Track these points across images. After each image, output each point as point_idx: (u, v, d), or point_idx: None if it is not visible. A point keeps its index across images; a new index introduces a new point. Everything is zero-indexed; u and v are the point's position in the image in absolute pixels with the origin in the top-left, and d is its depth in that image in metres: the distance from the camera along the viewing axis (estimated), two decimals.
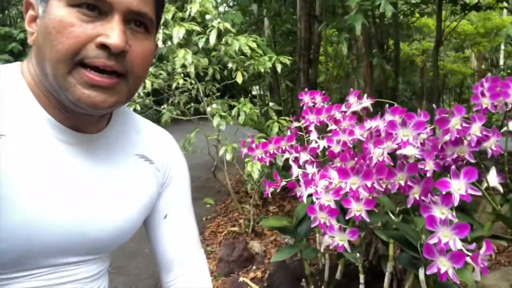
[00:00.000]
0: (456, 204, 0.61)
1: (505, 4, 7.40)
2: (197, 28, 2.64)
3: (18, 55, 10.31)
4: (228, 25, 2.62)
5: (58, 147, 0.57)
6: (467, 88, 11.56)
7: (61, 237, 0.55)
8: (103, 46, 0.50)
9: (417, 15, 7.88)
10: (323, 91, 1.69)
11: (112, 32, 0.50)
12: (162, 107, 3.25)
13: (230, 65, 2.79)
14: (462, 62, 11.93)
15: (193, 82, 2.96)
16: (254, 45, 2.63)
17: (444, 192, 0.64)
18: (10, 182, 0.51)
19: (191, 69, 2.66)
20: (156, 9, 0.57)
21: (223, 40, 2.66)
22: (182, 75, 2.93)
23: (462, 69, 11.36)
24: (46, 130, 0.56)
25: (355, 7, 3.49)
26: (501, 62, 12.98)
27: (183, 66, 2.63)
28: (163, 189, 0.73)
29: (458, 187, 0.63)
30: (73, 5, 0.50)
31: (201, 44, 2.63)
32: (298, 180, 1.10)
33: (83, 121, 0.59)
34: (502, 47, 12.36)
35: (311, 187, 0.88)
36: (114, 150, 0.64)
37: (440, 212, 0.62)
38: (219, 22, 2.57)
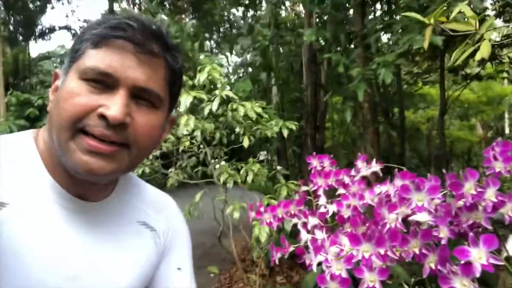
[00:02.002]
0: (478, 275, 0.57)
1: (505, 74, 7.66)
2: (204, 96, 2.75)
3: (34, 120, 10.71)
4: (231, 93, 2.75)
5: (61, 214, 0.57)
6: (474, 155, 11.54)
7: None
8: (103, 117, 0.52)
9: (420, 84, 8.15)
10: (331, 155, 1.69)
11: (114, 104, 0.52)
12: (170, 170, 3.27)
13: (237, 130, 2.86)
14: (468, 130, 12.06)
15: (200, 146, 3.02)
16: (260, 110, 2.72)
17: (463, 262, 0.60)
18: (12, 250, 0.52)
19: (197, 133, 2.74)
20: (167, 85, 0.59)
21: (229, 106, 2.77)
22: (189, 138, 2.99)
23: (468, 136, 11.46)
24: (50, 197, 0.57)
25: (357, 75, 3.64)
26: (507, 130, 13.08)
27: (192, 130, 2.71)
28: (164, 256, 0.71)
29: (479, 255, 0.59)
30: (84, 79, 0.53)
31: (206, 111, 2.74)
32: (307, 247, 1.05)
33: (88, 189, 0.60)
34: (506, 115, 12.56)
35: (321, 254, 0.84)
36: (116, 218, 0.64)
37: (461, 283, 0.58)
38: (222, 90, 2.70)
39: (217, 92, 2.70)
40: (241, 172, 2.68)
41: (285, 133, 2.83)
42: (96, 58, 0.53)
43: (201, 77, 2.69)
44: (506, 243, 0.82)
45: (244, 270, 3.70)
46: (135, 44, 0.54)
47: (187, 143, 2.94)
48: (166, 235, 0.71)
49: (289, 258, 1.16)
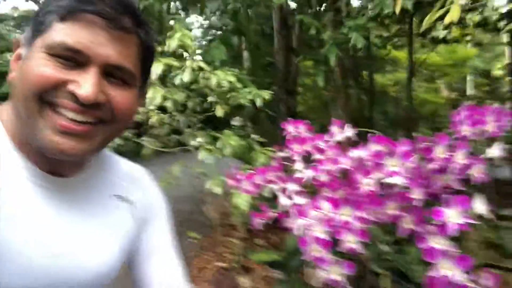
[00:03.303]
0: (454, 234, 0.62)
1: (468, 38, 7.87)
2: (176, 64, 2.67)
3: None
4: (202, 64, 2.68)
5: (36, 192, 0.56)
6: (440, 117, 11.99)
7: (39, 282, 0.54)
8: (74, 96, 0.50)
9: (390, 48, 8.25)
10: (306, 121, 1.71)
11: (85, 83, 0.50)
12: (142, 139, 3.21)
13: (210, 98, 2.82)
14: (434, 92, 12.44)
15: (174, 114, 2.96)
16: (233, 79, 2.68)
17: (438, 222, 0.64)
18: None
19: (168, 104, 2.68)
20: (139, 62, 0.57)
21: (201, 75, 2.71)
22: (157, 112, 2.93)
23: (434, 98, 11.83)
24: (22, 175, 0.55)
25: (328, 40, 3.63)
26: (469, 92, 13.59)
27: (164, 99, 2.64)
28: (143, 227, 0.72)
29: (454, 216, 0.63)
30: (51, 54, 0.51)
31: (176, 82, 2.67)
32: (286, 212, 1.09)
33: (60, 165, 0.58)
34: (468, 77, 13.02)
35: (302, 219, 0.87)
36: (93, 193, 0.64)
37: (437, 242, 0.62)
38: (193, 59, 2.63)
39: (187, 63, 2.63)
40: (217, 145, 2.66)
41: (258, 102, 2.82)
42: (64, 33, 0.50)
43: (172, 44, 2.60)
44: (474, 201, 0.87)
45: (224, 235, 3.78)
46: (106, 19, 0.51)
47: (156, 117, 2.88)
48: (143, 207, 0.71)
49: (268, 221, 1.19)
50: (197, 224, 4.42)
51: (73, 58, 0.51)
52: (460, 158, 0.79)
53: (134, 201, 0.70)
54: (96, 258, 0.61)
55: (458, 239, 0.99)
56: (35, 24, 0.54)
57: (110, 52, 0.52)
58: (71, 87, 0.50)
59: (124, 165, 0.74)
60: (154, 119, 2.82)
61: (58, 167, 0.58)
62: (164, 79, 2.81)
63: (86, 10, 0.51)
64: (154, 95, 2.55)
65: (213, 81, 2.59)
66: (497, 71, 12.33)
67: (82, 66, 0.51)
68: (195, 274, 3.22)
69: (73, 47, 0.50)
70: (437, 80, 12.46)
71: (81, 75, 0.50)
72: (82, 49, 0.50)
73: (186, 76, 2.59)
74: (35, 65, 0.50)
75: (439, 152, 0.80)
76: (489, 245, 0.93)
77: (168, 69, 2.67)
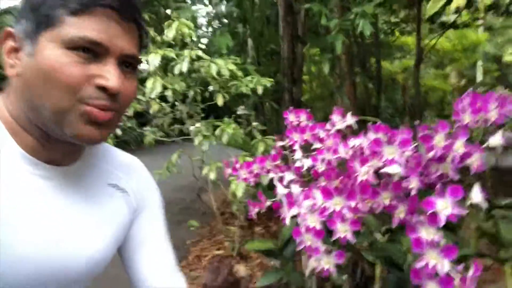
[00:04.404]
0: (442, 224, 0.60)
1: (480, 21, 7.69)
2: (172, 54, 2.65)
3: None
4: (200, 52, 2.67)
5: (33, 181, 0.57)
6: (447, 104, 11.84)
7: (35, 269, 0.55)
8: (101, 88, 0.54)
9: (397, 34, 8.12)
10: (308, 110, 1.69)
11: (110, 75, 0.54)
12: (145, 128, 3.23)
13: (211, 87, 2.82)
14: (442, 79, 12.25)
15: (176, 103, 2.96)
16: (233, 67, 2.66)
17: (430, 212, 0.63)
18: None
19: (169, 93, 2.69)
20: (140, 50, 0.62)
21: (201, 63, 2.69)
22: (158, 101, 2.93)
23: (442, 85, 11.66)
24: (18, 164, 0.56)
25: (335, 27, 3.57)
26: (479, 78, 13.37)
27: (164, 89, 2.65)
28: (136, 216, 0.73)
29: (444, 206, 0.62)
30: (70, 48, 0.53)
31: (175, 72, 2.66)
32: (282, 201, 1.08)
33: (60, 154, 0.60)
34: (479, 63, 12.75)
35: (294, 208, 0.86)
36: (88, 182, 0.65)
37: (426, 232, 0.61)
38: (192, 48, 2.62)
39: (186, 52, 2.61)
40: (216, 132, 2.67)
41: (260, 90, 2.80)
42: (82, 27, 0.53)
43: (169, 34, 2.59)
44: (471, 190, 0.85)
45: (224, 223, 3.80)
46: (118, 12, 0.54)
47: (156, 107, 2.89)
48: (137, 196, 0.73)
49: (268, 210, 1.18)
50: (197, 213, 4.46)
51: (92, 51, 0.54)
52: (459, 147, 0.77)
53: (128, 190, 0.71)
54: (91, 246, 0.62)
55: (453, 229, 0.98)
56: (37, 17, 0.54)
57: (124, 43, 0.56)
58: (99, 81, 0.54)
59: (117, 154, 0.75)
60: (155, 108, 2.83)
61: (56, 157, 0.59)
62: (165, 68, 2.80)
63: (101, 4, 0.53)
64: (154, 85, 2.55)
65: (213, 70, 2.58)
66: (509, 57, 12.08)
67: (99, 58, 0.54)
68: (193, 262, 3.25)
69: (95, 40, 0.53)
70: (447, 66, 12.26)
71: (102, 68, 0.54)
72: (103, 42, 0.53)
73: (184, 66, 2.59)
74: (58, 63, 0.52)
75: (439, 140, 0.78)
76: (485, 235, 0.91)
77: (168, 59, 2.66)
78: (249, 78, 2.83)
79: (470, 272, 0.55)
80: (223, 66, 2.59)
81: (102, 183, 0.67)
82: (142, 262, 0.72)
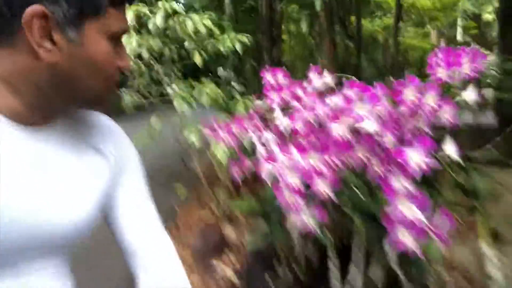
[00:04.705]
0: (416, 174, 0.62)
1: None
2: (145, 10, 2.53)
3: None
4: (175, 6, 2.56)
5: (13, 144, 0.55)
6: (427, 63, 11.91)
7: (17, 232, 0.54)
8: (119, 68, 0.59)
9: None
10: (288, 69, 1.67)
11: (126, 56, 0.60)
12: (121, 89, 3.12)
13: (186, 44, 2.71)
14: (422, 38, 12.24)
15: (151, 62, 2.86)
16: (209, 23, 2.56)
17: (399, 160, 0.64)
18: None
19: (143, 51, 2.58)
20: None
21: (176, 19, 2.57)
22: (133, 58, 2.82)
23: (422, 44, 11.66)
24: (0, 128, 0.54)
25: None
26: (459, 37, 13.40)
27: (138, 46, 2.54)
28: (117, 180, 0.72)
29: (415, 156, 0.63)
30: (110, 38, 0.56)
31: (150, 26, 2.55)
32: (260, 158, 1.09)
33: (43, 116, 0.59)
34: (459, 22, 12.75)
35: (269, 163, 0.87)
36: (68, 144, 0.63)
37: (400, 183, 0.63)
38: (166, 2, 2.50)
39: (160, 3, 2.49)
40: (194, 93, 2.60)
41: (238, 47, 2.72)
42: (119, 19, 0.57)
43: None
44: (444, 144, 0.88)
45: (210, 186, 3.82)
46: (129, 1, 0.59)
47: (132, 64, 2.78)
48: (116, 159, 0.71)
49: (254, 174, 1.19)
50: (183, 178, 4.45)
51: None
52: (430, 100, 0.78)
53: (108, 154, 0.70)
54: (76, 209, 0.61)
55: (430, 182, 1.01)
56: (82, 3, 0.52)
57: (127, 25, 0.60)
58: (122, 64, 0.59)
59: (96, 118, 0.73)
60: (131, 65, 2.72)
61: (36, 119, 0.58)
62: (140, 27, 2.68)
63: None
64: (129, 40, 2.45)
65: (189, 25, 2.48)
66: (487, 15, 12.10)
67: (116, 41, 0.58)
68: (181, 225, 3.29)
69: (126, 31, 0.59)
70: (426, 25, 12.22)
71: (119, 51, 0.59)
72: (127, 31, 0.59)
73: (158, 20, 2.48)
74: (106, 55, 0.56)
75: (409, 94, 0.79)
76: (458, 186, 0.95)
77: (141, 16, 2.54)
78: (226, 35, 2.74)
79: (438, 217, 0.58)
80: (199, 21, 2.49)
81: (83, 145, 0.66)
82: (127, 226, 0.71)
